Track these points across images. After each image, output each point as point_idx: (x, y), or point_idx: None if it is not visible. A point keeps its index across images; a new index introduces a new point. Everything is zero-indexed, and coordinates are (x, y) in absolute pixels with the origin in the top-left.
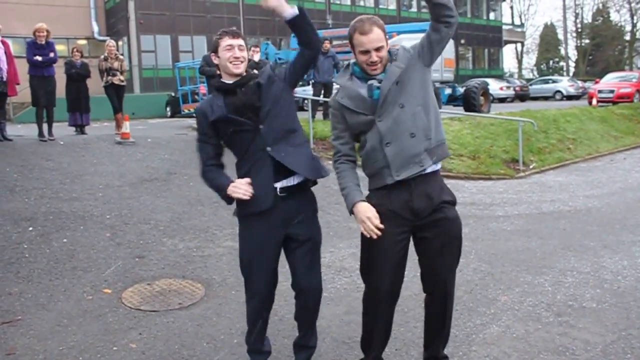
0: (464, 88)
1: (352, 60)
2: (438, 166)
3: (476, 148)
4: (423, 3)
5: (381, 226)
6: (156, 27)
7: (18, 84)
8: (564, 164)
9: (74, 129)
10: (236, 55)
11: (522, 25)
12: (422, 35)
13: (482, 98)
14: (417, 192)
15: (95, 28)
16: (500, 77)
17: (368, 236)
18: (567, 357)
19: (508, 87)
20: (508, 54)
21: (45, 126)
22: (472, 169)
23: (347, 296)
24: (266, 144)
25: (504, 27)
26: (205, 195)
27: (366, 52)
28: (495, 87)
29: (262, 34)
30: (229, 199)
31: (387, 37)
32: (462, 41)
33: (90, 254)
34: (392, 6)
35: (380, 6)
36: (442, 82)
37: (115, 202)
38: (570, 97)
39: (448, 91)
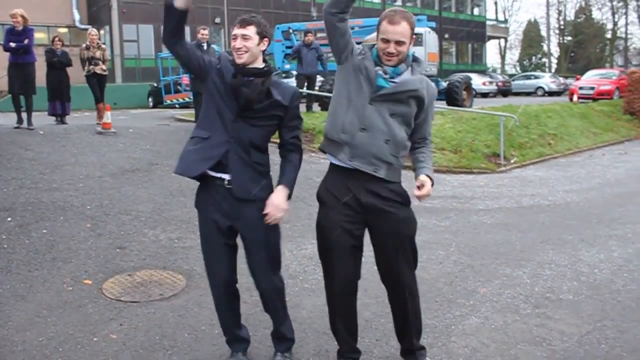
0: (447, 82)
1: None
2: (387, 178)
3: (458, 142)
4: None
5: None
6: (139, 17)
7: None
8: (544, 159)
9: (54, 118)
10: (237, 46)
11: (505, 21)
12: None
13: (464, 93)
14: (364, 187)
15: (77, 16)
16: (483, 72)
17: None
18: (544, 347)
19: (491, 82)
20: (491, 49)
21: (24, 115)
22: (453, 162)
23: None
24: (232, 137)
25: (487, 22)
26: (187, 187)
27: (387, 41)
28: (478, 82)
29: None
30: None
31: (413, 36)
32: (446, 36)
33: (71, 244)
34: None
35: None
36: (425, 76)
37: (95, 193)
38: (551, 93)
39: None
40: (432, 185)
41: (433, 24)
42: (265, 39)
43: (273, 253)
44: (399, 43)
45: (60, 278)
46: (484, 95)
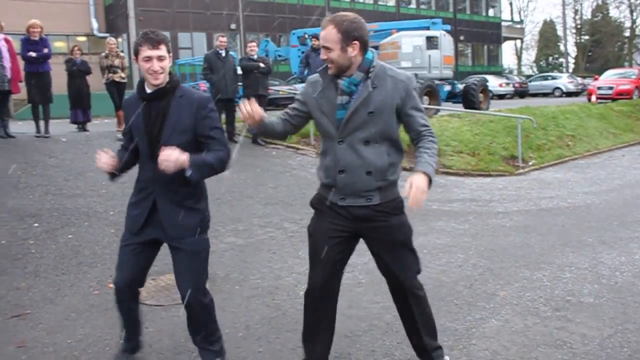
0: (463, 85)
1: None
2: (382, 201)
3: (475, 145)
4: None
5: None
6: (155, 24)
7: (20, 81)
8: (563, 161)
9: (75, 125)
10: (154, 69)
11: (521, 21)
12: (421, 32)
13: (481, 95)
14: (358, 208)
15: (95, 25)
16: (499, 73)
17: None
18: (564, 350)
19: (507, 84)
20: (507, 50)
21: (41, 123)
22: (471, 165)
23: (349, 291)
24: (155, 183)
25: (503, 23)
26: (208, 192)
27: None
28: (494, 83)
29: (262, 30)
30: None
31: (354, 43)
32: (462, 38)
33: (95, 249)
34: (392, 2)
35: (380, 2)
36: (441, 79)
37: (118, 199)
38: (569, 94)
39: (447, 88)
40: (431, 182)
41: (448, 27)
42: (170, 54)
43: (196, 262)
44: (326, 49)
45: (86, 282)
46: (501, 97)
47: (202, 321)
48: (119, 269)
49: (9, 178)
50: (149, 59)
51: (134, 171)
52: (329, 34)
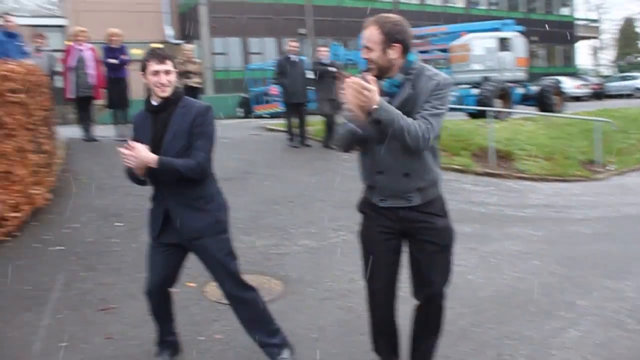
0: (538, 87)
1: None
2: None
3: (551, 149)
4: None
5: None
6: (228, 30)
7: (103, 87)
8: None
9: None
10: (161, 82)
11: (597, 20)
12: (492, 34)
13: (556, 97)
14: (402, 210)
15: (169, 32)
16: (575, 74)
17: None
18: None
19: (584, 85)
20: (583, 50)
21: (122, 127)
22: (546, 170)
23: None
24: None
25: (578, 22)
26: (281, 195)
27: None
28: (570, 85)
29: (331, 34)
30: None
31: (394, 44)
32: (535, 38)
33: None
34: (461, 3)
35: (449, 4)
36: (514, 82)
37: None
38: None
39: (521, 90)
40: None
41: (521, 28)
42: (176, 70)
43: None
44: (367, 48)
45: None
46: (577, 98)
47: (249, 316)
48: (149, 271)
49: (94, 180)
50: (156, 72)
51: None
52: (371, 34)
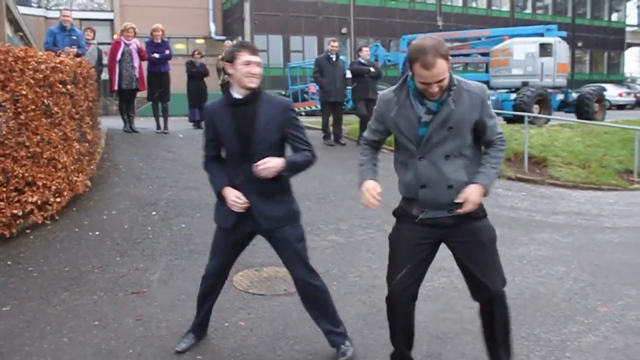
0: (578, 94)
1: (409, 74)
2: None
3: (587, 157)
4: (538, 3)
5: (376, 203)
6: (269, 28)
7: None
8: None
9: (192, 123)
10: (253, 72)
11: None
12: (534, 39)
13: (596, 105)
14: (441, 219)
15: (213, 28)
16: (620, 82)
17: (366, 206)
18: None
19: (628, 94)
20: (632, 57)
21: (161, 120)
22: (581, 178)
23: (444, 294)
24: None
25: (628, 28)
26: (312, 191)
27: (427, 83)
28: (613, 93)
29: (372, 35)
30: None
31: (450, 64)
32: (580, 44)
33: (205, 239)
34: (506, 7)
35: (493, 7)
36: (554, 88)
37: None
38: None
39: (560, 97)
40: (487, 193)
41: (564, 34)
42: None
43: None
44: (439, 81)
45: (196, 268)
46: (620, 107)
47: (318, 303)
48: (213, 255)
49: (133, 169)
50: (249, 63)
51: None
52: (441, 66)
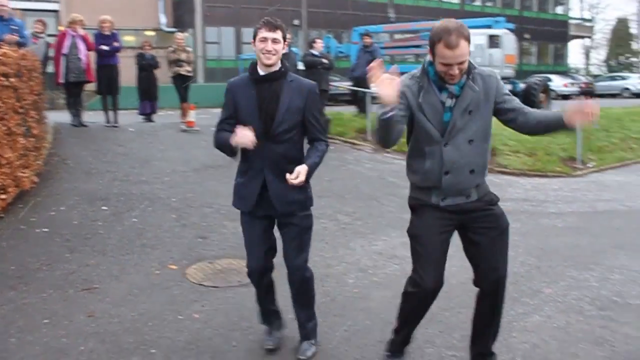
0: (525, 84)
1: (428, 59)
2: (479, 197)
3: (533, 145)
4: None
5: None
6: (221, 19)
7: (94, 73)
8: (625, 164)
9: (142, 116)
10: (268, 49)
11: (591, 19)
12: (483, 31)
13: (542, 95)
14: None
15: (163, 20)
16: (565, 73)
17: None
18: (605, 348)
19: (572, 84)
20: (575, 49)
21: (111, 114)
22: (527, 165)
23: (396, 281)
24: (265, 162)
25: (571, 21)
26: None
27: (448, 64)
28: (559, 83)
29: (324, 26)
30: (233, 152)
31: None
32: (527, 36)
33: (158, 233)
34: (456, 0)
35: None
36: (502, 78)
37: (180, 186)
38: (639, 95)
39: (508, 87)
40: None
41: (511, 26)
42: (285, 42)
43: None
44: (461, 63)
45: (148, 262)
46: (565, 97)
47: (303, 294)
48: (251, 247)
49: (82, 164)
50: (264, 39)
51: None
52: (464, 47)
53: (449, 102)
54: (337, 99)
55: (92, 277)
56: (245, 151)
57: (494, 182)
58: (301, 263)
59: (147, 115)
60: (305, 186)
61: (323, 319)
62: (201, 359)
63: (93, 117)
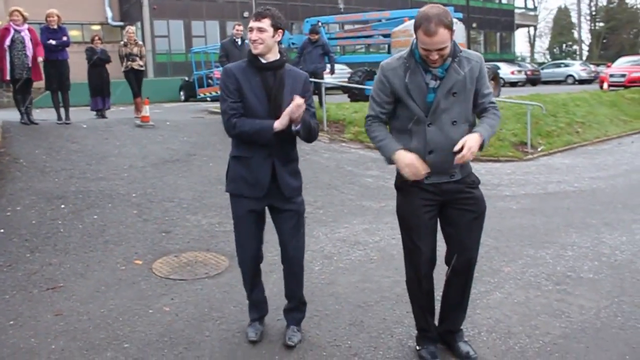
0: None
1: (414, 39)
2: (463, 176)
3: None
4: None
5: (427, 169)
6: (169, 13)
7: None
8: (571, 147)
9: (94, 112)
10: (253, 38)
11: (535, 8)
12: None
13: (491, 82)
14: (442, 184)
15: (109, 14)
16: (511, 61)
17: (413, 180)
18: (562, 319)
19: (519, 72)
20: (520, 37)
21: (62, 111)
22: (480, 151)
23: (362, 267)
24: (272, 148)
25: (516, 10)
26: (224, 175)
27: (428, 50)
28: (506, 71)
29: None
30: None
31: (453, 31)
32: (474, 25)
33: (120, 229)
34: None
35: None
36: None
37: (139, 182)
38: (582, 82)
39: None
40: (483, 147)
41: (460, 15)
42: (280, 30)
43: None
44: (440, 49)
45: (113, 259)
46: (513, 84)
47: (296, 280)
48: (244, 240)
49: (35, 163)
50: (251, 29)
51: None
52: (443, 35)
53: (433, 84)
54: None
55: (56, 276)
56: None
57: None
58: (301, 246)
59: (100, 111)
60: (299, 171)
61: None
62: (176, 350)
63: (41, 114)
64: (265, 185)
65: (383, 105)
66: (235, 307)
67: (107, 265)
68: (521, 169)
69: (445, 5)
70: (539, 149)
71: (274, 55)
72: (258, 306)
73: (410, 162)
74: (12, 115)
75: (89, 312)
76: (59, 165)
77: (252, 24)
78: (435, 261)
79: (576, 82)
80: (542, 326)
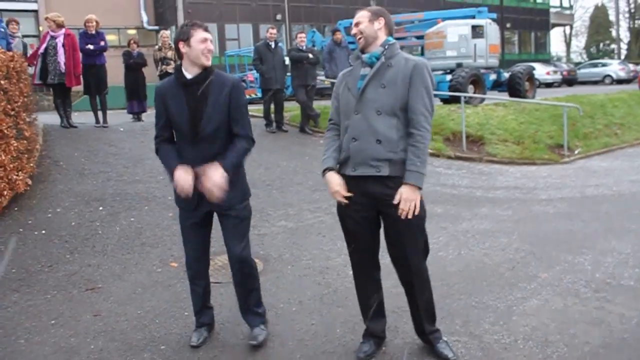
0: (509, 73)
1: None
2: (391, 174)
3: (520, 133)
4: None
5: (348, 194)
6: (203, 16)
7: (80, 74)
8: (610, 149)
9: (131, 116)
10: (210, 48)
11: (570, 7)
12: (467, 21)
13: (527, 83)
14: (371, 182)
15: (145, 18)
16: (547, 61)
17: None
18: (602, 328)
19: (555, 72)
20: (556, 37)
21: (100, 114)
22: (516, 154)
23: (394, 272)
24: (197, 163)
25: (551, 9)
26: (259, 179)
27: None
28: (541, 71)
29: (307, 21)
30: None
31: (380, 18)
32: (508, 25)
33: (156, 231)
34: None
35: None
36: (486, 68)
37: None
38: (620, 81)
39: (493, 77)
40: (420, 187)
41: (494, 15)
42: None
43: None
44: (356, 24)
45: (149, 261)
46: (548, 85)
47: (248, 281)
48: (186, 246)
49: (75, 165)
50: (205, 40)
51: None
52: (361, 13)
53: (364, 72)
54: (323, 93)
55: (95, 277)
56: (179, 152)
57: (484, 172)
58: (243, 251)
59: (136, 115)
60: (237, 179)
61: (327, 310)
62: (211, 353)
63: (81, 117)
64: (193, 200)
65: (336, 109)
66: (269, 311)
67: (143, 268)
68: (558, 172)
69: (478, 5)
70: (576, 152)
71: (198, 70)
72: (207, 315)
73: (332, 191)
74: (53, 118)
75: (127, 313)
76: (97, 167)
77: (206, 34)
78: (377, 263)
79: (614, 82)
80: (581, 335)
